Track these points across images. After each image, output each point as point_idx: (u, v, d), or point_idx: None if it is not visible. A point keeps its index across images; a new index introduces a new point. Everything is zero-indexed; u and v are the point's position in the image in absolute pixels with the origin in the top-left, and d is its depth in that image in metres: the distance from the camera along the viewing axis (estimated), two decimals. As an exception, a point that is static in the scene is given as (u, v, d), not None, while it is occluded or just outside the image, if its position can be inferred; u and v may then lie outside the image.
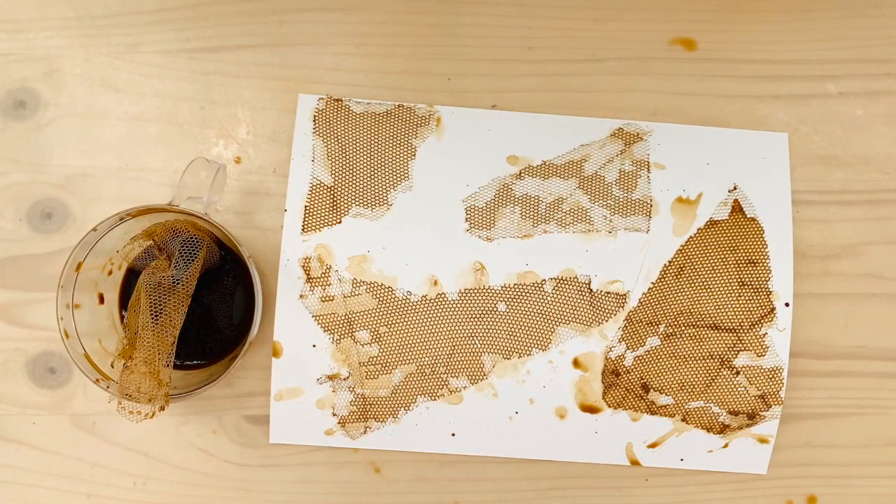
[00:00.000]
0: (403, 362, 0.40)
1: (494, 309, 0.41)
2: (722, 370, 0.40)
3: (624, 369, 0.41)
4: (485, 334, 0.41)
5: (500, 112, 0.42)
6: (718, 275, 0.41)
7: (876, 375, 0.41)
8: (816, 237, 0.42)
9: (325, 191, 0.41)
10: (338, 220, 0.41)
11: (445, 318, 0.41)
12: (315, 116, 0.41)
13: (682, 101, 0.42)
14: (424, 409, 0.40)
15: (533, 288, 0.41)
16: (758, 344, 0.40)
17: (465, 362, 0.40)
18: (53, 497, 0.40)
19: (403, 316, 0.41)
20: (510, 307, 0.41)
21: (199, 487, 0.41)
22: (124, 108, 0.42)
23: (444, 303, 0.41)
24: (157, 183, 0.41)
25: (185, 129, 0.42)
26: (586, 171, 0.41)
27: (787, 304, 0.41)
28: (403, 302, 0.41)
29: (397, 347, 0.40)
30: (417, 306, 0.41)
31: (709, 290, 0.41)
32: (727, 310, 0.41)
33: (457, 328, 0.41)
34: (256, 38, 0.42)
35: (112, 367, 0.36)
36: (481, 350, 0.40)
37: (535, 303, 0.41)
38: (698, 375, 0.40)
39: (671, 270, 0.41)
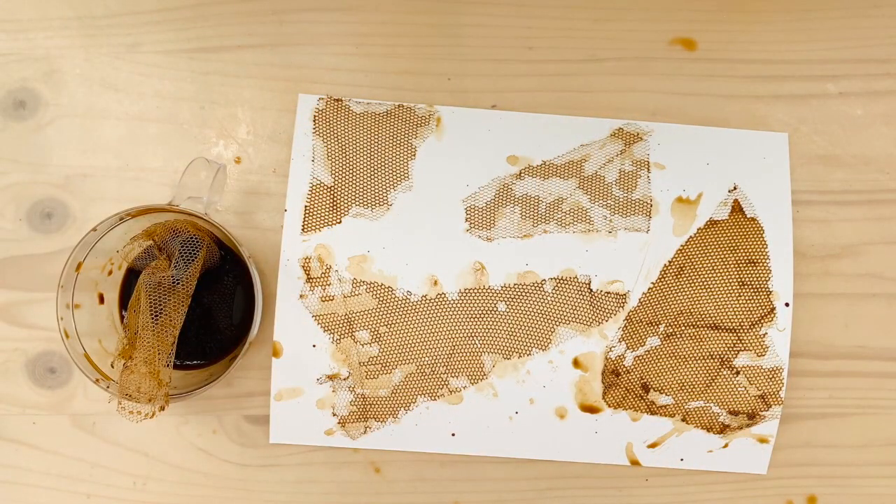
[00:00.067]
0: (403, 362, 0.40)
1: (494, 309, 0.41)
2: (722, 370, 0.40)
3: (624, 369, 0.41)
4: (485, 334, 0.41)
5: (500, 112, 0.42)
6: (718, 275, 0.41)
7: (876, 375, 0.41)
8: (816, 237, 0.42)
9: (325, 191, 0.41)
10: (338, 220, 0.41)
11: (445, 318, 0.41)
12: (315, 116, 0.41)
13: (682, 101, 0.42)
14: (424, 409, 0.40)
15: (533, 288, 0.41)
16: (758, 344, 0.40)
17: (465, 362, 0.40)
18: (53, 497, 0.40)
19: (403, 316, 0.41)
20: (510, 307, 0.41)
21: (199, 487, 0.41)
22: (124, 108, 0.42)
23: (444, 303, 0.41)
24: (157, 183, 0.41)
25: (185, 129, 0.42)
26: (586, 171, 0.41)
27: (787, 304, 0.41)
28: (403, 302, 0.41)
29: (397, 347, 0.40)
30: (417, 306, 0.41)
31: (709, 290, 0.41)
32: (727, 310, 0.41)
33: (457, 328, 0.41)
34: (256, 38, 0.42)
35: (112, 367, 0.36)
36: (481, 350, 0.40)
37: (535, 303, 0.41)
38: (698, 375, 0.40)
39: (671, 270, 0.41)
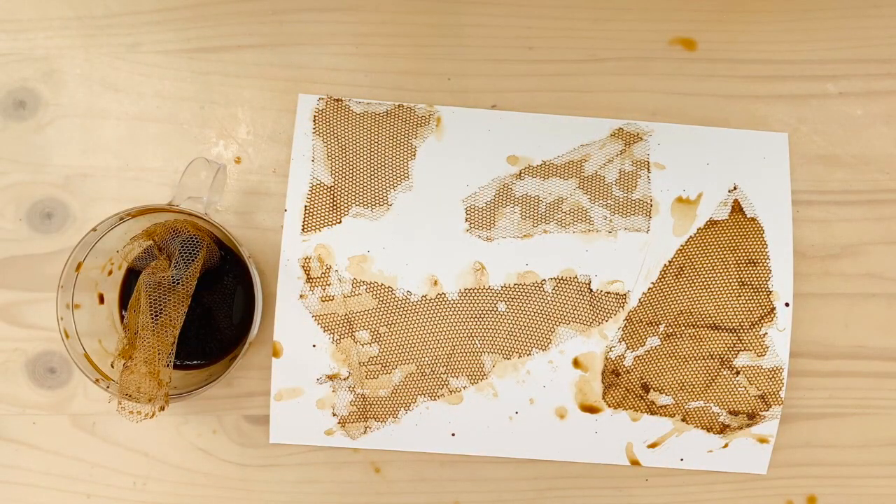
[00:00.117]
0: (403, 362, 0.40)
1: (494, 309, 0.41)
2: (722, 370, 0.40)
3: (624, 369, 0.41)
4: (485, 334, 0.41)
5: (500, 112, 0.42)
6: (718, 275, 0.41)
7: (876, 375, 0.41)
8: (816, 237, 0.42)
9: (325, 191, 0.41)
10: (338, 220, 0.41)
11: (445, 318, 0.41)
12: (315, 116, 0.41)
13: (682, 101, 0.42)
14: (424, 409, 0.40)
15: (533, 288, 0.41)
16: (758, 344, 0.40)
17: (465, 362, 0.40)
18: (53, 497, 0.40)
19: (403, 316, 0.41)
20: (510, 307, 0.41)
21: (199, 487, 0.41)
22: (124, 108, 0.42)
23: (444, 303, 0.41)
24: (157, 183, 0.41)
25: (185, 129, 0.42)
26: (586, 171, 0.41)
27: (787, 304, 0.41)
28: (403, 302, 0.41)
29: (397, 347, 0.40)
30: (417, 306, 0.41)
31: (709, 290, 0.41)
32: (727, 310, 0.41)
33: (457, 328, 0.41)
34: (256, 38, 0.42)
35: (112, 367, 0.36)
36: (481, 350, 0.40)
37: (535, 303, 0.41)
38: (698, 375, 0.40)
39: (671, 270, 0.41)
